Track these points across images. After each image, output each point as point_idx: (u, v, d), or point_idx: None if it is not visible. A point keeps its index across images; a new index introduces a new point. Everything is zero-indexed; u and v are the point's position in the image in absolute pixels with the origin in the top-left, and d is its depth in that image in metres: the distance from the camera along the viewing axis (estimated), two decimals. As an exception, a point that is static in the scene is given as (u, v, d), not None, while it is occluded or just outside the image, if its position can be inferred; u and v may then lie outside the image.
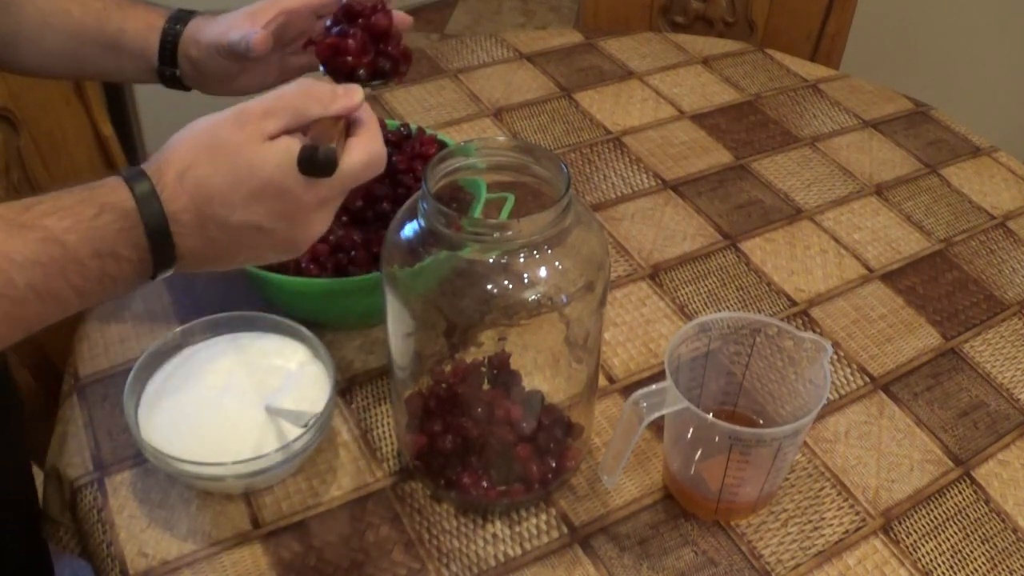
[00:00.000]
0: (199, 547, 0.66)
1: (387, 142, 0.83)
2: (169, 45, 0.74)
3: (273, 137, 0.53)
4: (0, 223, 0.48)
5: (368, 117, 0.58)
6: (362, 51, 0.66)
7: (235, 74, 0.74)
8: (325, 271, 0.74)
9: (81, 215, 0.50)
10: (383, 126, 0.86)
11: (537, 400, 0.68)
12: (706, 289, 0.89)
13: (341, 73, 0.67)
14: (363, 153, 0.56)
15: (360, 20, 0.67)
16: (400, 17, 0.70)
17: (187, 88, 0.77)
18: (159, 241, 0.52)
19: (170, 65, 0.74)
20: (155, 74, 0.75)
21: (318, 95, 0.55)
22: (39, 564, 0.89)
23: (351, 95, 0.57)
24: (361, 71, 0.67)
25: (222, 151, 0.53)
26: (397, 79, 0.69)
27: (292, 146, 0.53)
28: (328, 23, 0.68)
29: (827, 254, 0.94)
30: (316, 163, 0.53)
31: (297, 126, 0.55)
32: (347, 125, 0.57)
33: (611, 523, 0.68)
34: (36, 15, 0.73)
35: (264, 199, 0.53)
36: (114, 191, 0.51)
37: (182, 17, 0.74)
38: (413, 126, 0.87)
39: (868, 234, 0.97)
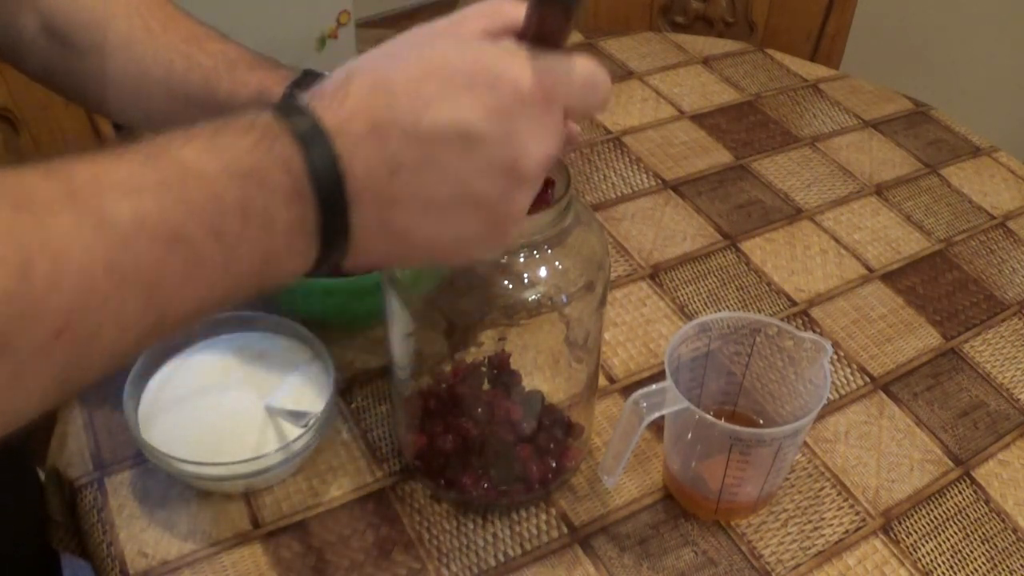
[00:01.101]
0: (199, 547, 0.66)
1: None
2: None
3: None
4: (98, 155, 0.33)
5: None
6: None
7: None
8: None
9: (202, 130, 0.35)
10: None
11: (537, 400, 0.67)
12: (706, 289, 0.89)
13: None
14: (586, 63, 0.40)
15: None
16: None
17: None
18: (316, 152, 0.35)
19: None
20: None
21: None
22: (49, 570, 0.88)
23: None
24: None
25: (414, 41, 0.38)
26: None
27: (514, 45, 0.38)
28: None
29: (827, 254, 0.94)
30: None
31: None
32: None
33: (611, 523, 0.68)
34: (127, 60, 0.63)
35: (471, 87, 0.37)
36: (249, 109, 0.36)
37: (308, 84, 0.60)
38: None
39: (868, 234, 0.97)
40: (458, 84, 0.36)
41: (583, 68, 0.40)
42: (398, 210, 0.37)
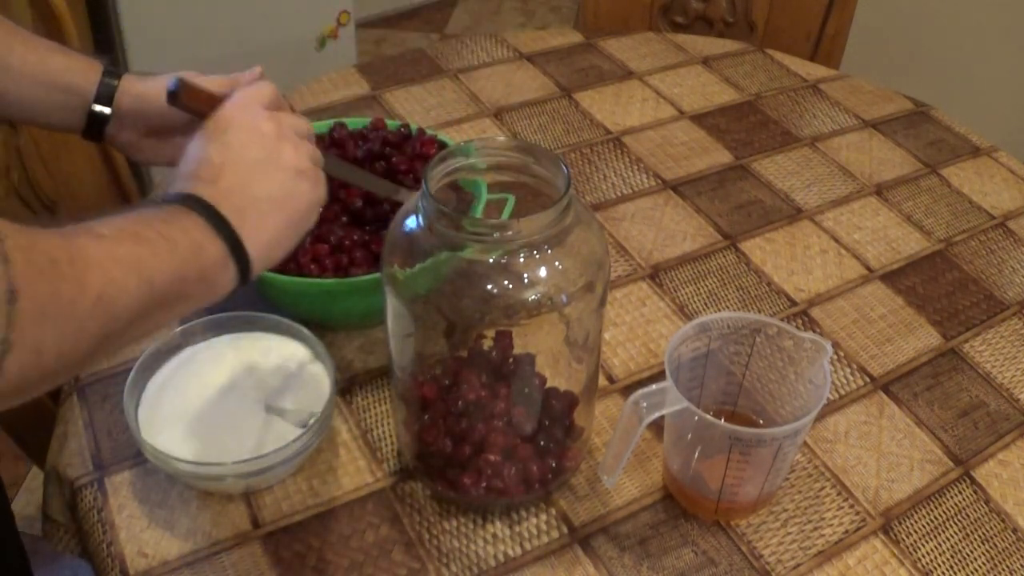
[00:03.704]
0: (199, 547, 0.66)
1: (387, 142, 0.84)
2: (108, 82, 0.73)
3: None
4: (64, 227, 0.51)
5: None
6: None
7: (179, 127, 0.73)
8: (325, 271, 0.74)
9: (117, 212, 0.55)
10: (383, 126, 0.87)
11: (537, 401, 0.67)
12: (706, 289, 0.89)
13: None
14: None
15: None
16: None
17: (102, 139, 0.75)
18: (169, 199, 0.56)
19: (105, 104, 0.73)
20: (84, 114, 0.73)
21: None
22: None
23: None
24: None
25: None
26: None
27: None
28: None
29: (827, 254, 0.94)
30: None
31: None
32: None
33: (611, 523, 0.68)
34: None
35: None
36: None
37: (116, 71, 0.74)
38: (413, 126, 0.87)
39: (868, 234, 0.97)
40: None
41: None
42: (237, 192, 0.57)
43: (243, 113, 0.61)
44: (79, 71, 0.73)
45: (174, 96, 0.60)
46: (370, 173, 0.77)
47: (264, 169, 0.59)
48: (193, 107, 0.62)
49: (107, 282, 0.48)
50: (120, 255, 0.50)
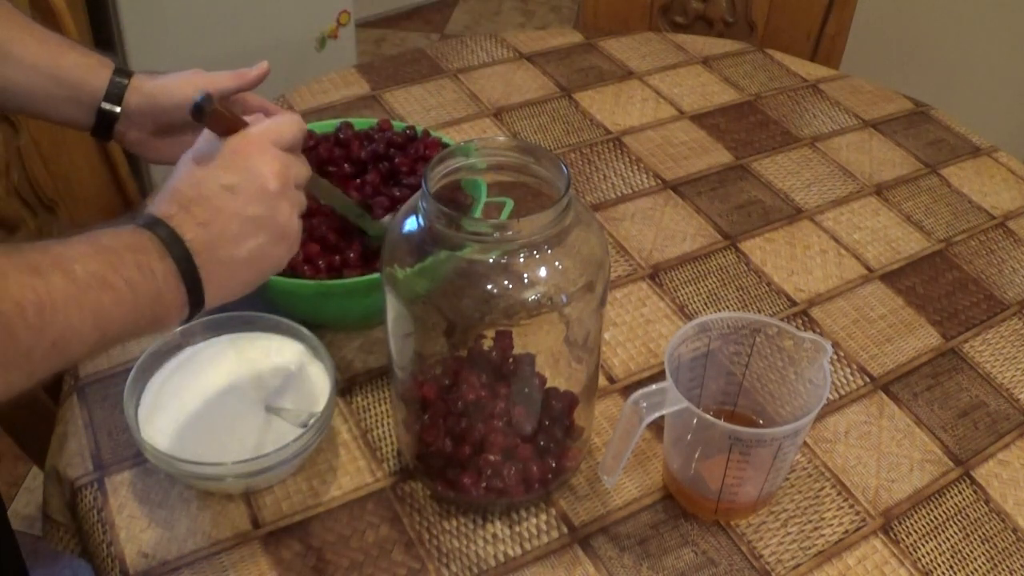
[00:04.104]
0: (199, 547, 0.66)
1: (392, 144, 0.84)
2: (118, 80, 0.74)
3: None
4: (47, 247, 0.53)
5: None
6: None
7: (187, 126, 0.74)
8: (319, 272, 0.74)
9: (108, 230, 0.56)
10: (389, 127, 0.86)
11: (537, 400, 0.67)
12: (706, 289, 0.89)
13: None
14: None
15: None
16: None
17: (110, 138, 0.76)
18: (164, 231, 0.56)
19: (115, 103, 0.74)
20: (94, 112, 0.75)
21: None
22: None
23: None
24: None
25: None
26: None
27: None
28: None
29: (827, 254, 0.94)
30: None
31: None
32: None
33: (611, 523, 0.68)
34: None
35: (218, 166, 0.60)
36: (128, 224, 0.58)
37: (126, 71, 0.76)
38: (419, 128, 0.87)
39: (868, 234, 0.97)
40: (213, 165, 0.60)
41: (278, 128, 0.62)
42: (219, 245, 0.58)
43: (257, 159, 0.60)
44: (90, 68, 0.74)
45: (199, 111, 0.58)
46: (345, 195, 0.75)
47: (255, 228, 0.59)
48: (214, 127, 0.60)
49: (66, 328, 0.50)
50: (84, 302, 0.51)
